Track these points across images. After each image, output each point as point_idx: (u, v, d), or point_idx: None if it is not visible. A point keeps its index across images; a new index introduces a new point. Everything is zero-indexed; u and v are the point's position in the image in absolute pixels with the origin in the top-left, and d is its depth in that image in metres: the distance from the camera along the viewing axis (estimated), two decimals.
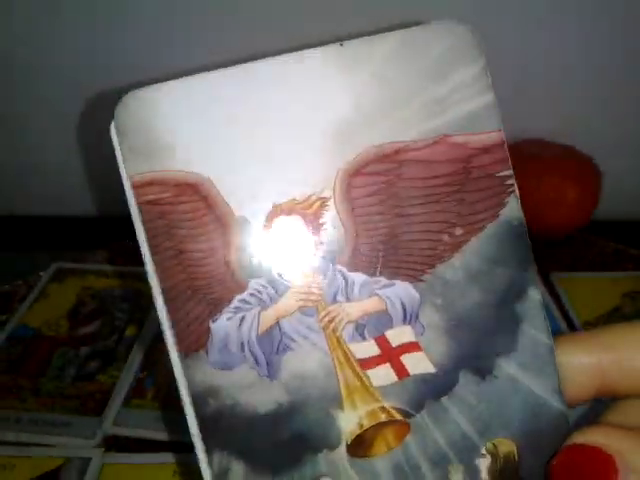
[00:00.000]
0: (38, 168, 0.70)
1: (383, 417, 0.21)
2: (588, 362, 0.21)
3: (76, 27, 0.61)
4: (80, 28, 0.61)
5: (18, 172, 0.71)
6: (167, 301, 0.21)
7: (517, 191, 0.21)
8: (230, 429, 0.21)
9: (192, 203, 0.21)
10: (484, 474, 0.21)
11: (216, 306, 0.21)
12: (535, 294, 0.21)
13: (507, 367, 0.21)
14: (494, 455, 0.21)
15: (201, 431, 0.21)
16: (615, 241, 0.61)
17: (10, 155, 0.70)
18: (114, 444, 0.44)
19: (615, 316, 0.51)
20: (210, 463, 0.21)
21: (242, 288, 0.21)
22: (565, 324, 0.51)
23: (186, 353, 0.21)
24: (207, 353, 0.21)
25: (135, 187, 0.20)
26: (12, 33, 0.62)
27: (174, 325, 0.21)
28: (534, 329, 0.21)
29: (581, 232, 0.60)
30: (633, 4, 0.55)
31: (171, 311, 0.21)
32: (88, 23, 0.61)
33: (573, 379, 0.22)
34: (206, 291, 0.21)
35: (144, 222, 0.21)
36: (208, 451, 0.21)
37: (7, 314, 0.55)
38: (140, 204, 0.20)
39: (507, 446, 0.21)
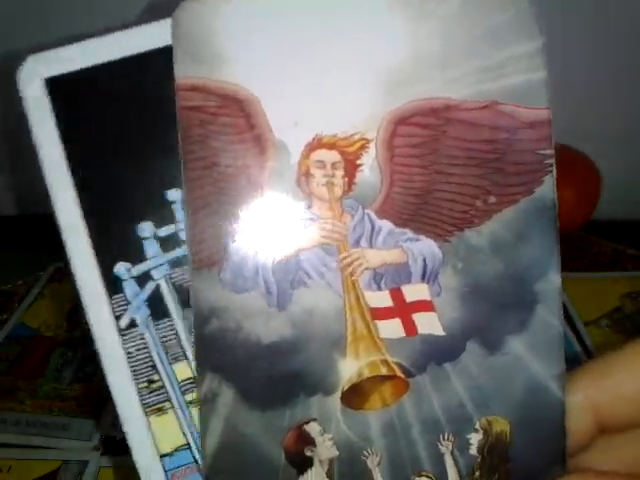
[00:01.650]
0: (38, 168, 0.69)
1: (384, 370, 0.21)
2: (573, 398, 0.21)
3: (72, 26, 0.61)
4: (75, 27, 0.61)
5: (18, 172, 0.70)
6: (190, 212, 0.20)
7: (555, 172, 0.21)
8: (227, 353, 0.20)
9: (234, 118, 0.20)
10: (473, 449, 0.21)
11: (239, 226, 0.20)
12: (555, 278, 0.21)
13: (516, 345, 0.21)
14: (487, 432, 0.21)
15: (197, 349, 0.20)
16: (613, 241, 0.61)
17: (10, 155, 0.69)
18: (111, 446, 0.43)
19: (617, 316, 0.51)
20: (200, 384, 0.20)
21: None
22: (567, 325, 0.50)
23: (199, 267, 0.20)
24: (220, 271, 0.20)
25: (180, 90, 0.20)
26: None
27: (192, 237, 0.20)
28: (548, 313, 0.21)
29: (579, 232, 0.60)
30: (632, 4, 0.56)
31: (192, 223, 0.20)
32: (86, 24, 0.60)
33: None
34: (232, 209, 0.20)
35: (181, 128, 0.20)
36: (200, 371, 0.20)
37: (7, 313, 0.55)
38: (181, 109, 0.20)
39: (501, 425, 0.21)
